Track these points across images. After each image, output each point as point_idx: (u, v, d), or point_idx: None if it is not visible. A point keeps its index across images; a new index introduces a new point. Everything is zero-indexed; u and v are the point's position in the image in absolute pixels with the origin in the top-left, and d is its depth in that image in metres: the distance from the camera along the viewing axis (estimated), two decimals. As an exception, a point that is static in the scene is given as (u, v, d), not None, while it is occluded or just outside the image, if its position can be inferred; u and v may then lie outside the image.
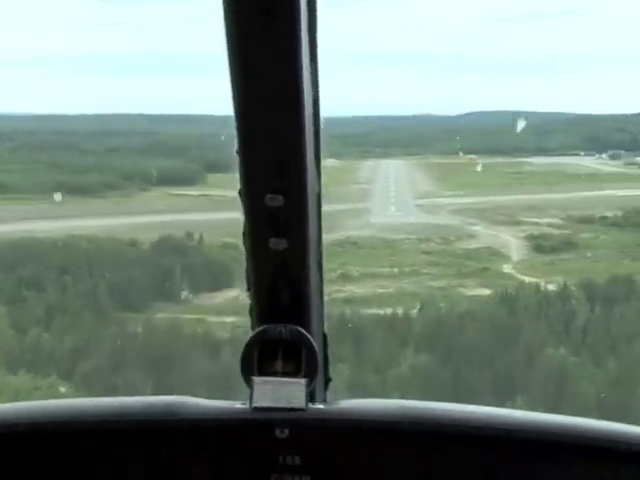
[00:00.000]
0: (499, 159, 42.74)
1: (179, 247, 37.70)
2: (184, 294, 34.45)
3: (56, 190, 34.13)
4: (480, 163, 41.47)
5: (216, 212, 35.83)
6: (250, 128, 3.34)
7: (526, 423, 3.98)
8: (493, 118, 39.89)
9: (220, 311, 33.80)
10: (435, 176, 45.95)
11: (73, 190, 36.64)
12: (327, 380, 4.22)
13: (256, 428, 3.96)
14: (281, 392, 3.87)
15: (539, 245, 38.94)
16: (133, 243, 38.17)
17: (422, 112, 38.98)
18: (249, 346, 4.01)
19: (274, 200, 3.51)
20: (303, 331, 3.90)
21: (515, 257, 39.68)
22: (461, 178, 44.81)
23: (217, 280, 35.29)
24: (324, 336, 4.14)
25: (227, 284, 34.26)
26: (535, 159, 42.28)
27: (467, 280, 39.94)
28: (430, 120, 41.02)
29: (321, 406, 4.01)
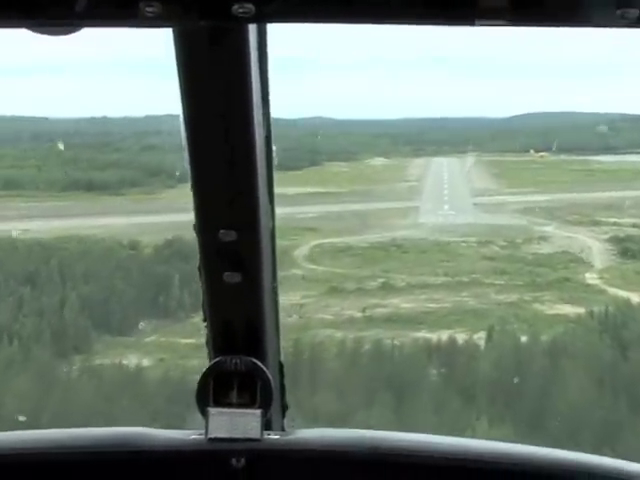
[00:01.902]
0: (563, 157, 32.57)
1: (188, 252, 23.53)
2: (180, 310, 22.50)
3: (71, 188, 27.01)
4: (551, 160, 31.78)
5: None
6: (202, 165, 2.67)
7: (486, 452, 3.25)
8: (545, 119, 31.90)
9: None
10: (494, 173, 33.67)
11: (89, 187, 28.34)
12: (284, 408, 3.45)
13: (212, 458, 3.28)
14: (236, 422, 3.16)
15: (627, 249, 26.88)
16: (134, 246, 26.07)
17: (473, 115, 31.37)
18: (205, 377, 3.29)
19: (227, 235, 2.84)
20: (258, 363, 3.18)
21: (599, 264, 27.02)
22: (524, 175, 32.92)
23: None
24: (280, 365, 3.35)
25: None
26: (602, 157, 32.23)
27: (544, 294, 26.06)
28: (481, 122, 32.71)
29: (277, 436, 3.26)
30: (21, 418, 15.22)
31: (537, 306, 25.54)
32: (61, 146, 26.78)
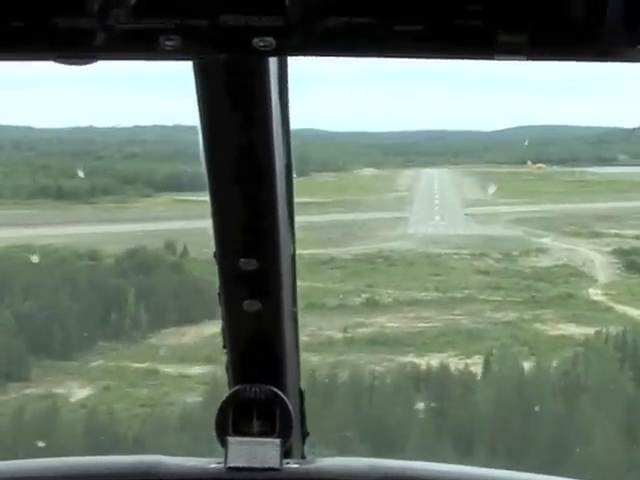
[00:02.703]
0: (556, 168, 28.19)
1: (151, 263, 20.86)
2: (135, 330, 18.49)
3: (39, 196, 23.02)
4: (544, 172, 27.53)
5: None
6: (223, 194, 2.33)
7: None
8: (536, 132, 27.55)
9: (184, 356, 17.56)
10: (486, 184, 28.39)
11: (59, 195, 23.70)
12: (304, 435, 2.92)
13: None
14: (256, 452, 2.68)
15: (633, 262, 22.12)
16: (93, 256, 21.29)
17: (465, 128, 28.60)
18: (224, 406, 2.77)
19: (248, 264, 2.44)
20: (278, 391, 2.70)
21: (603, 278, 22.14)
22: (517, 186, 27.94)
23: (195, 309, 19.01)
24: (300, 393, 2.86)
25: (209, 314, 16.98)
26: (596, 169, 27.99)
27: (545, 311, 20.82)
28: (474, 134, 28.88)
29: (296, 465, 2.74)
30: None
31: (538, 326, 20.24)
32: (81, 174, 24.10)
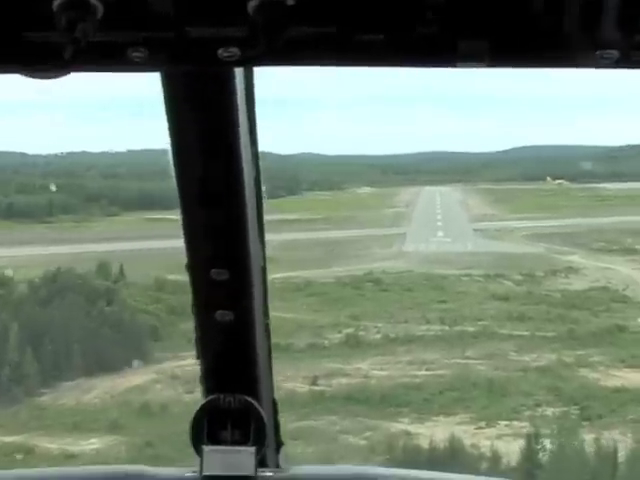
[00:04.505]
0: (567, 184, 23.51)
1: (73, 289, 14.47)
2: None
3: None
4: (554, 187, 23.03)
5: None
6: (192, 205, 1.85)
7: None
8: (540, 152, 24.19)
9: (80, 422, 10.77)
10: (493, 199, 22.81)
11: (9, 213, 19.37)
12: (279, 445, 2.30)
13: None
14: (230, 460, 2.15)
15: None
16: (5, 281, 15.56)
17: (466, 149, 24.50)
18: (199, 415, 2.18)
19: (220, 274, 1.92)
20: (252, 400, 2.15)
21: None
22: (528, 201, 22.47)
23: (118, 351, 12.69)
24: (274, 403, 2.27)
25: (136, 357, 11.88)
26: (609, 184, 23.46)
27: (590, 352, 13.12)
28: (477, 155, 24.80)
29: (270, 473, 2.22)
30: None
31: (585, 373, 11.72)
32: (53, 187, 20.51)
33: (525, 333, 13.61)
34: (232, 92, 1.63)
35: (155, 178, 24.34)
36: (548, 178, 22.88)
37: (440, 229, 20.72)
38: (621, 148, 24.72)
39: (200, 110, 1.65)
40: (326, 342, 13.52)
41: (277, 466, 2.29)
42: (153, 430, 10.60)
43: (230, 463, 2.13)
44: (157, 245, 19.54)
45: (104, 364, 12.84)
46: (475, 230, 20.23)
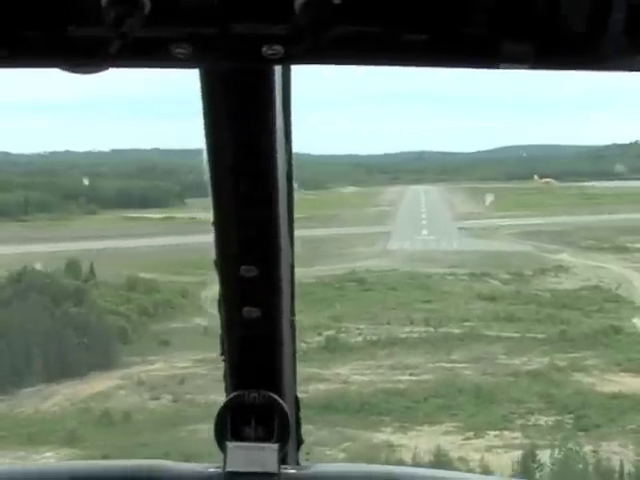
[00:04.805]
0: (555, 183, 22.50)
1: (40, 289, 13.36)
2: None
3: None
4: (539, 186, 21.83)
5: (167, 236, 16.94)
6: (224, 201, 1.77)
7: None
8: (523, 151, 23.42)
9: (36, 433, 9.67)
10: (478, 198, 21.23)
11: None
12: (299, 442, 2.16)
13: None
14: (254, 457, 2.04)
15: None
16: None
17: (448, 149, 23.66)
18: (223, 411, 2.07)
19: (248, 271, 1.82)
20: (276, 397, 2.03)
21: None
22: (514, 199, 21.39)
23: (86, 354, 11.52)
24: (296, 400, 2.12)
25: (104, 362, 11.15)
26: (596, 183, 22.56)
27: (584, 354, 12.13)
28: (457, 155, 23.90)
29: (293, 470, 2.09)
30: None
31: (580, 378, 10.70)
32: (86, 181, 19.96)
33: (514, 335, 12.54)
34: (271, 90, 1.56)
35: (136, 177, 22.23)
36: (535, 176, 22.03)
37: (425, 227, 19.66)
38: (607, 147, 23.96)
39: (237, 108, 1.59)
40: (302, 345, 12.40)
41: (297, 463, 2.20)
42: (112, 441, 9.50)
43: (253, 460, 2.05)
44: (134, 244, 18.41)
45: (67, 369, 11.70)
46: (460, 229, 19.18)
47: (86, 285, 14.45)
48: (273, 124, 1.61)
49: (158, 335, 12.49)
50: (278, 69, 1.56)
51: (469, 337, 12.26)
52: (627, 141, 23.41)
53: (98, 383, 11.38)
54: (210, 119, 1.59)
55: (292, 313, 2.00)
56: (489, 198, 20.27)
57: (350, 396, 10.46)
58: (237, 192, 1.73)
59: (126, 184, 22.97)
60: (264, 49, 1.07)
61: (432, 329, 12.63)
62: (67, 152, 22.53)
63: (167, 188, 22.23)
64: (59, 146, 24.00)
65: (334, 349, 11.90)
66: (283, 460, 2.05)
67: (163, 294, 13.58)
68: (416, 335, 12.27)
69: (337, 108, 25.78)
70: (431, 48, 1.06)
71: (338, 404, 10.24)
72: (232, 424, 2.02)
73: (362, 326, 12.89)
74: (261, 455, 2.01)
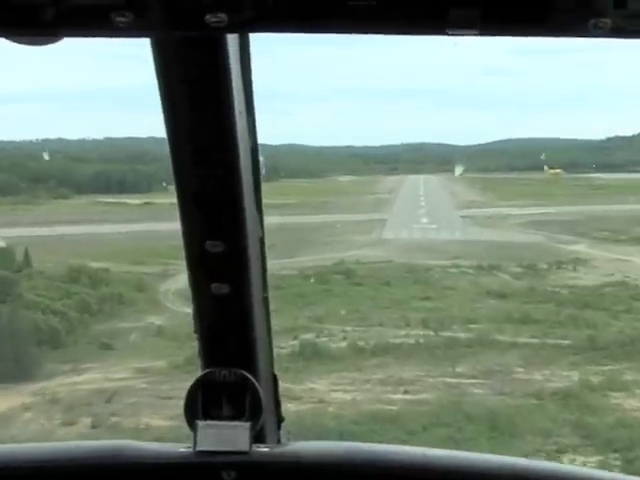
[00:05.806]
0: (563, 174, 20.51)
1: None
2: None
3: None
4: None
5: (140, 223, 14.97)
6: (186, 176, 1.59)
7: (486, 465, 1.75)
8: (523, 144, 22.10)
9: None
10: (480, 187, 19.79)
11: None
12: (280, 420, 1.92)
13: (201, 471, 1.85)
14: (225, 436, 1.80)
15: None
16: None
17: (452, 142, 22.04)
18: (193, 389, 1.82)
19: (214, 246, 1.65)
20: (247, 375, 1.81)
21: None
22: (516, 189, 19.51)
23: (12, 359, 8.36)
24: (274, 378, 1.87)
25: (34, 368, 8.32)
26: (602, 174, 20.87)
27: (621, 366, 8.73)
28: (457, 147, 22.10)
29: (266, 449, 1.83)
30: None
31: (620, 400, 7.57)
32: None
33: (532, 340, 9.47)
34: (224, 60, 1.42)
35: (122, 162, 19.94)
36: (546, 167, 20.04)
37: (424, 215, 16.67)
38: (609, 139, 22.45)
39: (192, 79, 1.44)
40: (274, 352, 9.44)
41: (278, 442, 1.90)
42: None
43: (224, 438, 1.80)
44: (99, 230, 15.42)
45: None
46: (464, 217, 16.18)
47: (16, 276, 11.23)
48: (230, 96, 1.44)
49: (99, 337, 9.48)
50: (234, 39, 1.43)
51: (477, 343, 9.19)
52: (630, 133, 21.81)
53: (20, 396, 8.37)
54: (165, 93, 1.44)
55: (264, 290, 1.80)
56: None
57: (325, 422, 7.38)
58: (197, 163, 1.55)
59: (105, 168, 20.42)
60: (207, 17, 1.03)
61: (432, 333, 9.56)
62: (60, 140, 20.99)
63: (151, 173, 19.74)
64: (53, 134, 22.75)
65: (310, 357, 8.83)
66: (261, 439, 1.80)
67: (113, 287, 10.51)
68: (413, 340, 9.19)
69: (339, 102, 24.49)
70: (378, 14, 1.01)
71: (307, 434, 7.20)
72: (203, 403, 1.79)
73: (348, 328, 9.80)
74: (232, 434, 1.79)
